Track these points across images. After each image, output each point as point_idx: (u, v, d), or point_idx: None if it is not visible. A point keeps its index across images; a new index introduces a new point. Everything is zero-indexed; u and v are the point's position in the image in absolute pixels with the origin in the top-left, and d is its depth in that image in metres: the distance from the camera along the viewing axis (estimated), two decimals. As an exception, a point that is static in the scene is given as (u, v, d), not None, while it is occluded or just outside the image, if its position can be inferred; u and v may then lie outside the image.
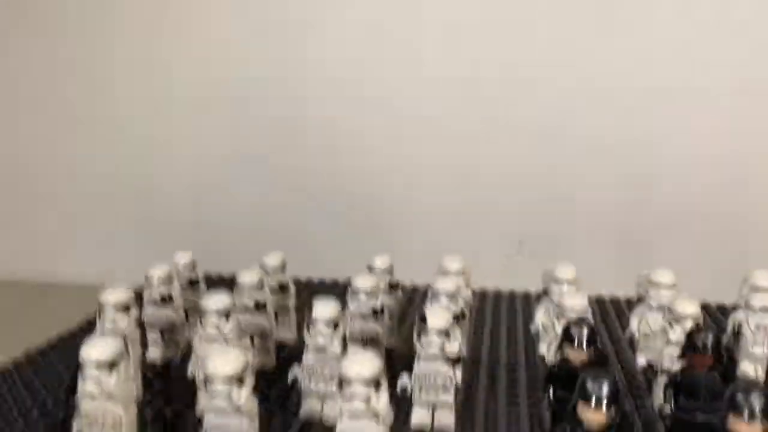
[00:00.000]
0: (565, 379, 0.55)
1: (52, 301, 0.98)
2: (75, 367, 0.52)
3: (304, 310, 0.62)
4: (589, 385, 0.45)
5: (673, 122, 0.94)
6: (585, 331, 0.55)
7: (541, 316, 0.71)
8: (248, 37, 1.02)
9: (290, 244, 0.81)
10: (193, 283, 0.75)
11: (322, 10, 1.00)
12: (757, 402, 0.43)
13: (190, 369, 0.60)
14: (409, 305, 0.86)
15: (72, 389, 0.53)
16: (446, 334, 0.56)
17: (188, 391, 0.58)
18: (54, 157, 1.10)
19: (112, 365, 0.51)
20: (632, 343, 0.71)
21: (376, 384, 0.48)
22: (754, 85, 0.92)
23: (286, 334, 0.74)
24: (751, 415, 0.42)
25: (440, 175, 0.99)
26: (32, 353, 0.73)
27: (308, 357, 0.58)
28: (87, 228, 1.12)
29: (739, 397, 0.43)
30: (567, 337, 0.55)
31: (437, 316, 0.56)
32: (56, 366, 0.71)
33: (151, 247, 1.06)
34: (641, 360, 0.69)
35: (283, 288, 0.74)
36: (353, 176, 1.01)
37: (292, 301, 0.75)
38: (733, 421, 0.43)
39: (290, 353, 0.70)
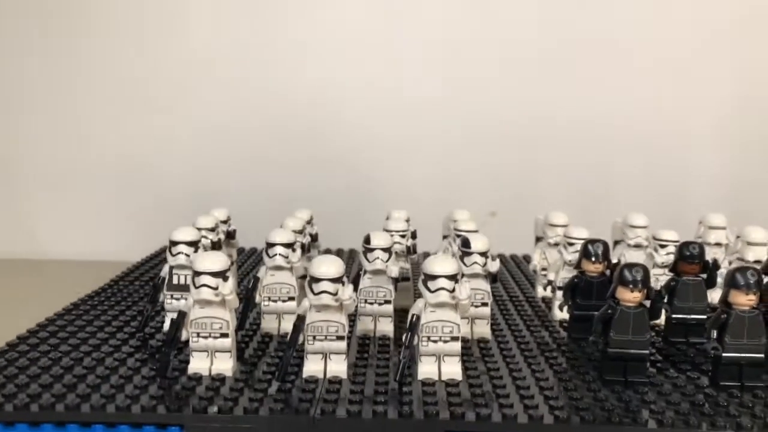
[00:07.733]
0: (584, 288, 0.69)
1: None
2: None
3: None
4: (626, 272, 0.58)
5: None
6: (601, 248, 0.68)
7: (537, 258, 0.85)
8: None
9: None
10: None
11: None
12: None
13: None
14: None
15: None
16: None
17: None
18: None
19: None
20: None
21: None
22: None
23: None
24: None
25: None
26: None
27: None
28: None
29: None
30: (585, 254, 0.69)
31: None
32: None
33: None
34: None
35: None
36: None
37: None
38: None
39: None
